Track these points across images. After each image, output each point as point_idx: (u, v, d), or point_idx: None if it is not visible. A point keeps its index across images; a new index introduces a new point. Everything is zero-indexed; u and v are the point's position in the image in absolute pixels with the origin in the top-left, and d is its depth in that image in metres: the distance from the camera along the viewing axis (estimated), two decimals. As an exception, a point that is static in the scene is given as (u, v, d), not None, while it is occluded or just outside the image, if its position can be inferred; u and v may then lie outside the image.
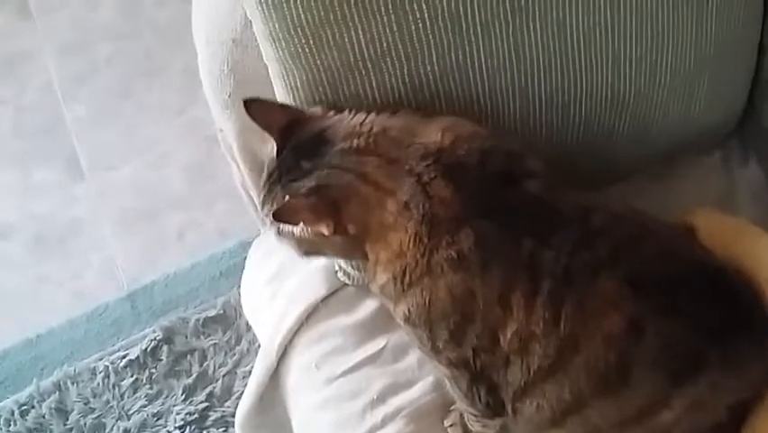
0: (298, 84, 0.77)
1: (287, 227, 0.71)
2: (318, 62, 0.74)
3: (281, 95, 0.80)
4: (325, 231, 0.68)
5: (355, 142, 0.69)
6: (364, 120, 0.71)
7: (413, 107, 0.77)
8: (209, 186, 1.60)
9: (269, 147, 0.75)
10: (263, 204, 0.75)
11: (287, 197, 0.70)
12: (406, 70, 0.74)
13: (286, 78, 0.77)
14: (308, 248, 0.74)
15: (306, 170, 0.69)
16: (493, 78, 0.76)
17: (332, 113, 0.73)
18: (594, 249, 0.65)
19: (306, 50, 0.73)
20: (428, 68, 0.74)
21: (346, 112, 0.73)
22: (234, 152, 0.99)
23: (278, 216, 0.67)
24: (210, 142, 1.59)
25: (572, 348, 0.64)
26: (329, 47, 0.73)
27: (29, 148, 1.71)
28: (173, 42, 1.78)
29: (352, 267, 0.92)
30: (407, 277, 0.67)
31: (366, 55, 0.73)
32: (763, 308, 0.67)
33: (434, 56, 0.73)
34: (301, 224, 0.68)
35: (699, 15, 0.78)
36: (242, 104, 0.74)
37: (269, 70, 0.79)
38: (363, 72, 0.74)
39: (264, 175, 0.75)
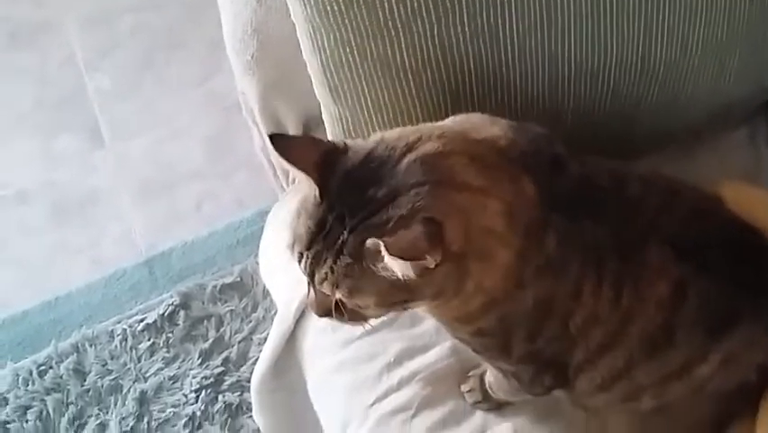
0: (326, 44, 0.76)
1: (363, 282, 0.58)
2: (347, 21, 0.74)
3: (308, 54, 0.80)
4: (432, 262, 0.55)
5: (424, 148, 0.59)
6: (407, 130, 0.62)
7: (440, 71, 0.76)
8: (227, 157, 1.61)
9: (303, 193, 0.62)
10: (314, 264, 0.59)
11: (371, 239, 0.55)
12: (436, 31, 0.74)
13: (313, 37, 0.77)
14: (397, 298, 0.60)
15: (383, 198, 0.57)
16: (523, 40, 0.75)
17: (359, 139, 0.64)
18: (640, 219, 0.64)
19: (335, 7, 0.73)
20: (458, 28, 0.73)
21: (378, 133, 0.63)
22: (255, 115, 0.99)
23: (399, 252, 0.53)
24: (229, 113, 1.60)
25: (629, 320, 0.64)
26: (358, 5, 0.73)
27: (51, 117, 1.72)
28: (195, 15, 1.79)
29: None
30: (501, 296, 0.62)
31: (396, 14, 0.72)
32: None
33: (466, 16, 0.73)
34: (404, 264, 0.54)
35: (733, -13, 0.78)
36: (264, 65, 0.72)
37: (297, 29, 0.79)
38: (393, 32, 0.74)
39: (307, 228, 0.60)
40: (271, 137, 0.61)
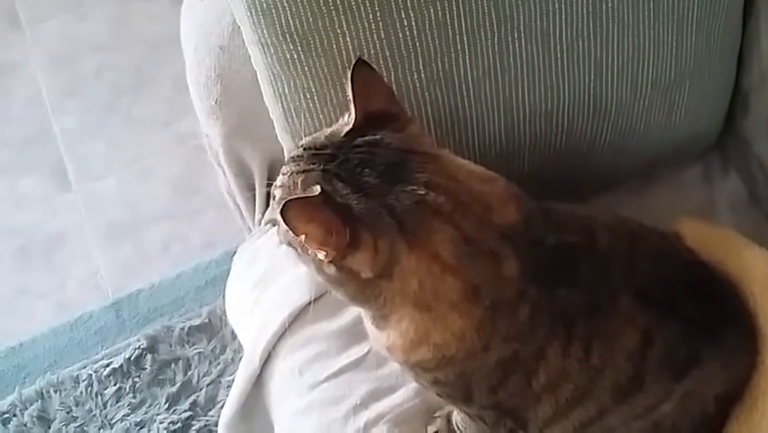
0: (286, 90, 0.78)
1: None
2: (306, 69, 0.75)
3: (269, 100, 0.81)
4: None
5: (437, 198, 0.60)
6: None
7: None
8: (195, 197, 1.60)
9: (344, 119, 0.65)
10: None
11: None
12: (393, 77, 0.75)
13: (274, 84, 0.78)
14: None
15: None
16: (478, 86, 0.77)
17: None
18: (612, 271, 0.66)
19: (295, 56, 0.75)
20: (415, 75, 0.75)
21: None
22: (220, 158, 0.99)
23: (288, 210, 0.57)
24: (196, 153, 1.59)
25: (599, 373, 0.65)
26: (317, 53, 0.74)
27: (16, 158, 1.71)
28: (162, 55, 1.79)
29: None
30: (458, 355, 0.64)
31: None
32: (744, 302, 0.71)
33: (421, 63, 0.75)
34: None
35: (679, 28, 0.81)
36: (228, 110, 0.73)
37: (258, 76, 0.80)
38: (351, 79, 0.75)
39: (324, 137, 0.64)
40: (358, 61, 0.64)
